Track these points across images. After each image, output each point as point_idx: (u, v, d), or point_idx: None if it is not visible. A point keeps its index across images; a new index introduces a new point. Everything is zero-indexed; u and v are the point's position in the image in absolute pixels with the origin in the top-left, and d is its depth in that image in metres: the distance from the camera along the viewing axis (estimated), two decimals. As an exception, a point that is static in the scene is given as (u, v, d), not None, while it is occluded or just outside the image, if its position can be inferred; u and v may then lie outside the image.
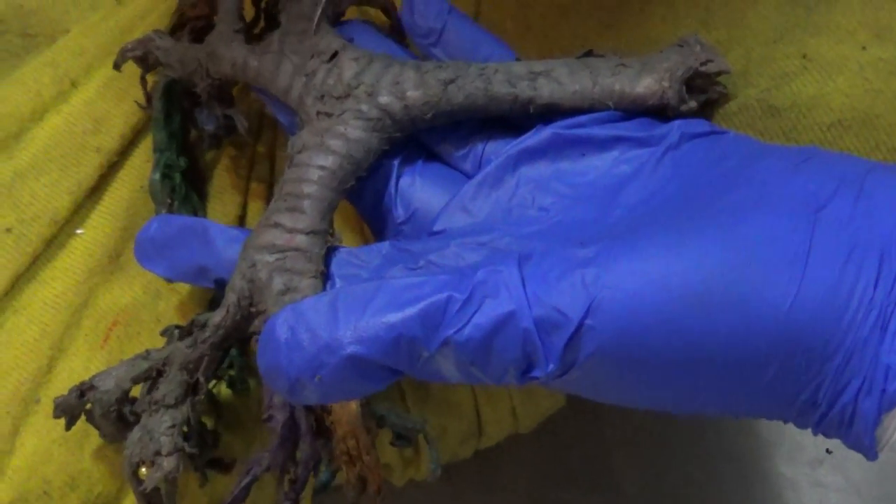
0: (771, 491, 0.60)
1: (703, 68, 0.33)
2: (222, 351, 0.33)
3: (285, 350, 0.27)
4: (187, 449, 0.32)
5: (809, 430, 0.28)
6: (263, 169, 0.42)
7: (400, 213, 0.34)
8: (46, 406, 0.34)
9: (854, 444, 0.27)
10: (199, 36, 0.38)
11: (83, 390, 0.32)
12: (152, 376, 0.32)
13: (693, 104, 0.33)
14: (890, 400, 0.25)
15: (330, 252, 0.32)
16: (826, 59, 0.33)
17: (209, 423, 0.36)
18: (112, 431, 0.33)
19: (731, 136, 0.32)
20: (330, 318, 0.27)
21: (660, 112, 0.33)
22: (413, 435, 0.38)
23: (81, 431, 0.34)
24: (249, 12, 0.39)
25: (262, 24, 0.39)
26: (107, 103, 0.39)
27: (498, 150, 0.34)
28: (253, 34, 0.38)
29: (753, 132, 0.34)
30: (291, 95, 0.35)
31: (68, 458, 0.34)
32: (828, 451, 0.60)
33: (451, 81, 0.33)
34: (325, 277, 0.31)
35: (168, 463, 0.31)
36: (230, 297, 0.31)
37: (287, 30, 0.35)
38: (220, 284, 0.33)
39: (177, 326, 0.34)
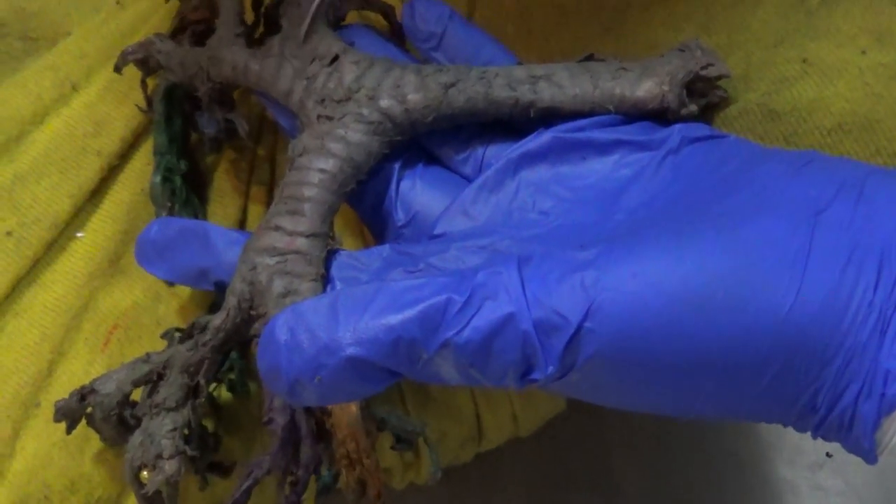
0: (771, 494, 0.60)
1: (703, 72, 0.33)
2: (223, 354, 0.33)
3: (285, 351, 0.27)
4: (188, 452, 0.31)
5: (809, 433, 0.28)
6: (264, 172, 0.42)
7: (400, 216, 0.34)
8: (47, 410, 0.34)
9: (853, 448, 0.27)
10: (200, 39, 0.38)
11: (84, 394, 0.32)
12: (153, 379, 0.32)
13: (693, 108, 0.33)
14: (889, 403, 0.25)
15: (330, 255, 0.32)
16: (826, 64, 0.33)
17: (210, 426, 0.36)
18: (113, 435, 0.33)
19: (731, 140, 0.32)
20: (329, 319, 0.27)
21: (660, 116, 0.33)
22: (413, 438, 0.38)
23: (82, 435, 0.34)
24: (250, 16, 0.39)
25: (261, 29, 0.39)
26: (107, 106, 0.39)
27: (498, 153, 0.34)
28: (254, 39, 0.38)
29: (754, 136, 0.34)
30: (292, 99, 0.35)
31: (69, 461, 0.34)
32: (828, 454, 0.60)
33: (452, 85, 0.33)
34: (326, 280, 0.31)
35: (169, 466, 0.31)
36: (230, 300, 0.31)
37: (288, 34, 0.35)
38: (221, 287, 0.33)
39: (177, 329, 0.34)
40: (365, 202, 0.35)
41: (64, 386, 0.35)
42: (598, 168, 0.33)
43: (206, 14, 0.39)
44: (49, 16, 0.42)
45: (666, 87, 0.33)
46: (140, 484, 0.31)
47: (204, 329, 0.32)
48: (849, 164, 0.29)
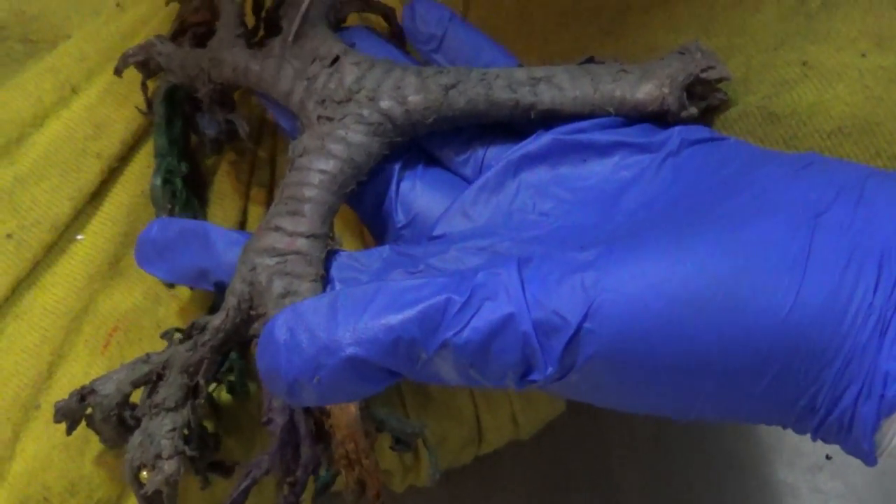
0: (771, 496, 0.60)
1: (703, 75, 0.33)
2: (222, 354, 0.33)
3: (284, 351, 0.27)
4: (188, 452, 0.32)
5: (809, 435, 0.28)
6: (264, 174, 0.42)
7: (400, 217, 0.35)
8: (47, 412, 0.34)
9: (853, 450, 0.27)
10: (200, 41, 0.38)
11: (83, 395, 0.32)
12: (152, 380, 0.32)
13: (694, 110, 0.33)
14: (889, 405, 0.25)
15: (330, 256, 0.32)
16: (826, 67, 0.33)
17: (209, 426, 0.36)
18: (113, 436, 0.33)
19: (731, 143, 0.32)
20: (329, 319, 0.27)
21: (660, 118, 0.33)
22: (412, 440, 0.38)
23: (82, 437, 0.34)
24: (250, 20, 0.39)
25: (262, 32, 0.39)
26: (108, 109, 0.39)
27: (498, 155, 0.34)
28: (254, 42, 0.38)
29: (754, 139, 0.34)
30: (293, 100, 0.35)
31: (68, 463, 0.34)
32: (827, 456, 0.60)
33: (453, 86, 0.33)
34: (326, 281, 0.31)
35: (169, 466, 0.31)
36: (230, 301, 0.31)
37: (288, 35, 0.35)
38: (220, 287, 0.33)
39: (177, 330, 0.34)
40: (365, 203, 0.35)
41: (64, 388, 0.35)
42: (598, 170, 0.33)
43: (207, 16, 0.39)
44: (49, 18, 0.42)
45: (666, 90, 0.33)
46: (140, 484, 0.31)
47: (203, 329, 0.32)
48: (849, 167, 0.29)
